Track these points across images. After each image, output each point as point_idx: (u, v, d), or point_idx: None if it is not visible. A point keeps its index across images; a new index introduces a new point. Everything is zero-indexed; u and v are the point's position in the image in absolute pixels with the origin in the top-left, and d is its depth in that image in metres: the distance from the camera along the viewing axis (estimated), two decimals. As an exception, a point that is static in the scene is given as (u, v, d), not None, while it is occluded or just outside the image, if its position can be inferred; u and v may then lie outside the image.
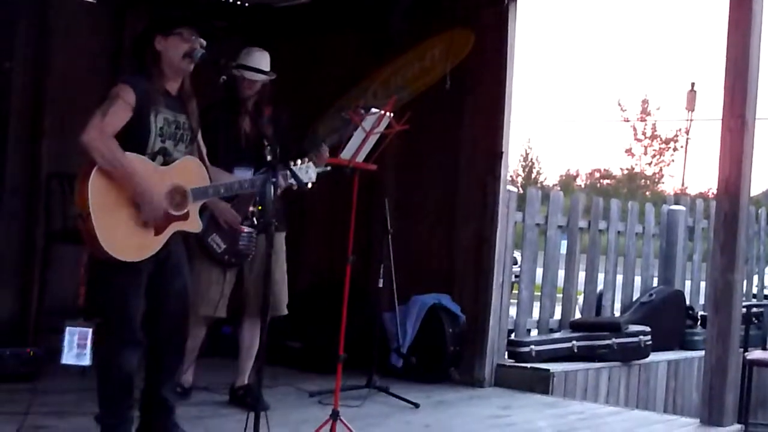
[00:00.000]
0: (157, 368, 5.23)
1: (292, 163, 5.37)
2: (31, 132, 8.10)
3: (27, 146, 8.07)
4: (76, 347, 5.43)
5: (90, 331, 5.28)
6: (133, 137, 4.88)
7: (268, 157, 5.28)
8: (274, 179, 5.00)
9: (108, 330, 5.04)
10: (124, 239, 4.81)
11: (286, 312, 6.54)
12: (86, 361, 5.40)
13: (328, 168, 5.75)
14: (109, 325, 5.02)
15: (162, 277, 5.07)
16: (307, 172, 5.38)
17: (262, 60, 6.49)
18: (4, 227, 7.78)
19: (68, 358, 5.37)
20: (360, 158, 5.88)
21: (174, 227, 4.99)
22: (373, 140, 5.91)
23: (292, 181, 5.36)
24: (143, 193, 4.82)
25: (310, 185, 5.38)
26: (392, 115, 5.95)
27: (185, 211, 5.02)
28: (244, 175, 5.98)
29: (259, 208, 5.76)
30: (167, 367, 5.26)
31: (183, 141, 5.12)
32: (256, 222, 6.08)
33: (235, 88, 6.31)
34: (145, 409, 5.26)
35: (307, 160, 5.44)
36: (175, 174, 5.00)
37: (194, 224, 5.12)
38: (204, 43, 5.12)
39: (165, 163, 5.00)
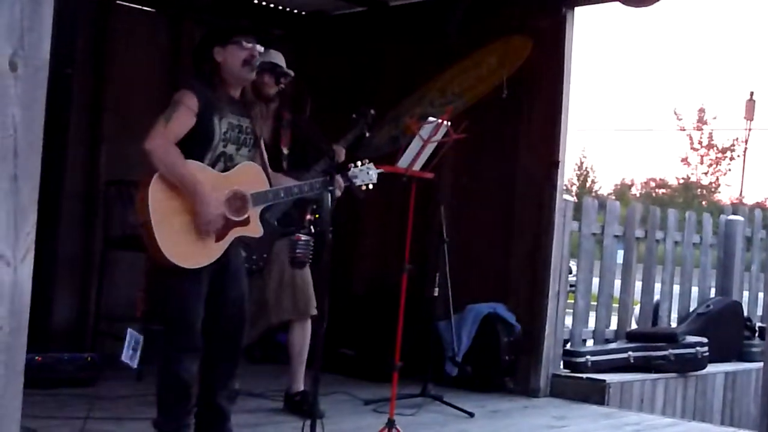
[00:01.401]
0: (212, 375, 5.23)
1: (352, 165, 5.38)
2: (91, 138, 8.19)
3: (86, 152, 8.16)
4: (131, 350, 5.49)
5: (141, 338, 5.33)
6: (197, 142, 4.91)
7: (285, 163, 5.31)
8: (331, 187, 5.01)
9: (168, 337, 5.06)
10: (185, 246, 4.83)
11: (315, 312, 6.49)
12: (135, 364, 5.55)
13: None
14: (170, 332, 5.04)
15: (221, 284, 5.09)
16: (368, 173, 5.40)
17: (279, 58, 6.47)
18: (64, 233, 7.84)
19: (125, 356, 5.47)
20: (417, 167, 5.88)
21: (234, 233, 5.00)
22: (430, 149, 5.90)
23: (355, 181, 5.37)
24: (201, 203, 4.83)
25: (371, 186, 5.40)
26: (450, 123, 5.93)
27: (245, 216, 5.02)
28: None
29: (316, 216, 5.80)
30: (222, 375, 5.26)
31: (246, 145, 5.13)
32: (313, 230, 6.12)
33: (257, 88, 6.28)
34: (200, 416, 5.28)
35: (367, 161, 5.45)
36: (235, 179, 5.01)
37: (255, 229, 5.12)
38: (262, 49, 5.14)
39: (226, 168, 5.02)
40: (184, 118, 4.87)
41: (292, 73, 6.38)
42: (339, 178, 5.37)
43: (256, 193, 5.06)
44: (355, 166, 5.41)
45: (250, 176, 5.09)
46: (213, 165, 4.99)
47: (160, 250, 4.76)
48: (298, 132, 6.46)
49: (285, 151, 6.38)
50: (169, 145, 4.78)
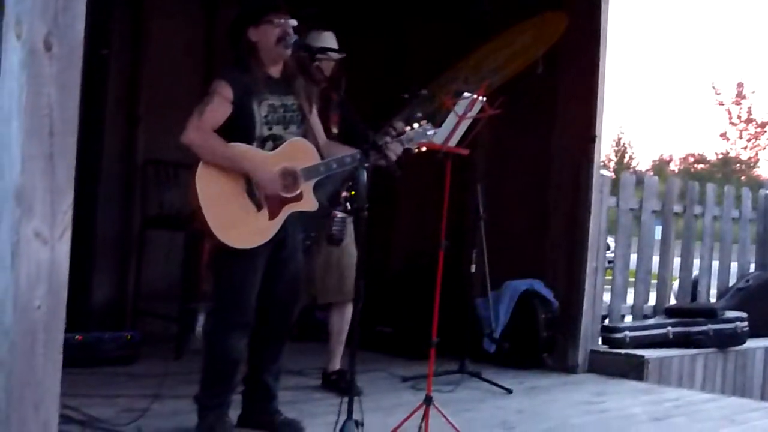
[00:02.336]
0: (261, 354, 5.28)
1: (408, 128, 5.38)
2: (127, 118, 8.22)
3: (123, 132, 8.19)
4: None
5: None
6: (238, 129, 4.93)
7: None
8: (366, 164, 5.01)
9: (220, 313, 5.09)
10: (238, 227, 4.87)
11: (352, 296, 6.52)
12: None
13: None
14: (222, 308, 5.07)
15: (276, 262, 5.11)
16: (425, 132, 5.40)
17: (332, 40, 6.48)
18: (101, 212, 7.89)
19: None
20: (453, 143, 5.86)
21: (288, 209, 5.02)
22: (465, 125, 5.88)
23: (411, 144, 5.38)
24: (254, 170, 4.87)
25: (424, 149, 5.41)
26: (485, 99, 5.91)
27: (298, 191, 5.04)
28: None
29: (352, 193, 5.79)
30: (271, 353, 5.30)
31: (293, 122, 5.14)
32: (349, 207, 6.13)
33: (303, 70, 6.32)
34: (247, 394, 5.32)
35: (424, 121, 5.45)
36: (283, 157, 5.02)
37: (309, 203, 5.12)
38: (295, 23, 5.12)
39: (275, 148, 5.03)
40: (218, 107, 4.89)
41: (338, 56, 6.41)
42: (395, 144, 5.38)
43: (306, 167, 5.06)
44: (411, 128, 5.41)
45: (298, 151, 5.10)
46: (262, 148, 5.00)
47: (214, 235, 4.80)
48: (346, 112, 6.47)
49: (335, 131, 6.39)
50: (203, 132, 4.82)
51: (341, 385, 6.20)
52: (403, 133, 5.43)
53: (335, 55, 6.41)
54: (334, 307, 6.59)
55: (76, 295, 7.31)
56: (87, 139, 7.38)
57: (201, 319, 5.64)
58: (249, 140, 4.96)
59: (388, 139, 5.42)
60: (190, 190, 4.84)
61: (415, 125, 5.42)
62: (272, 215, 4.96)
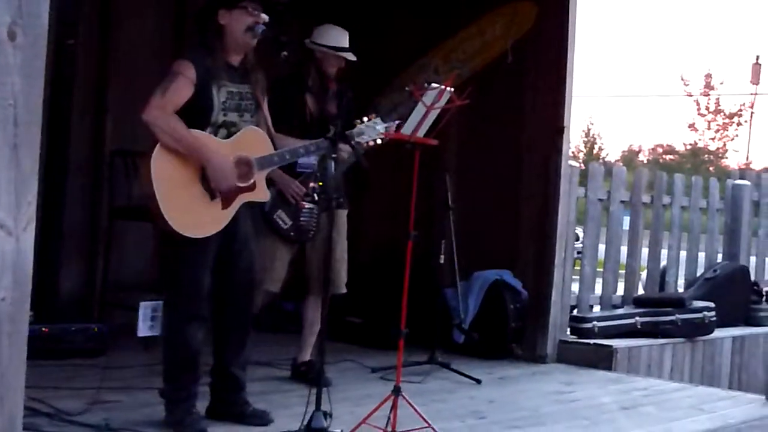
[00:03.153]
0: (225, 345, 5.26)
1: (359, 121, 5.37)
2: (95, 108, 8.15)
3: (91, 122, 8.12)
4: (150, 320, 5.49)
5: (161, 303, 5.34)
6: (196, 112, 4.91)
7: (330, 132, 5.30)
8: (334, 154, 5.00)
9: (174, 305, 5.08)
10: (191, 215, 4.84)
11: (344, 290, 6.55)
12: (157, 331, 5.57)
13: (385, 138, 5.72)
14: (176, 300, 5.06)
15: (230, 252, 5.10)
16: (375, 128, 5.38)
17: (344, 38, 6.51)
18: (69, 203, 7.85)
19: (143, 330, 5.46)
20: (421, 133, 5.84)
21: (242, 199, 5.01)
22: (433, 115, 5.87)
23: (362, 138, 5.36)
24: (210, 162, 4.84)
25: (379, 142, 5.39)
26: (453, 89, 5.91)
27: (251, 181, 5.02)
28: (307, 158, 5.95)
29: (320, 184, 5.78)
30: (234, 344, 5.28)
31: (248, 111, 5.13)
32: (317, 198, 6.12)
33: (311, 65, 6.39)
34: (215, 386, 5.30)
35: (374, 115, 5.44)
36: (238, 145, 5.01)
37: (262, 194, 5.13)
38: (267, 18, 5.12)
39: (229, 135, 5.02)
40: (182, 88, 4.87)
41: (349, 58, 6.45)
42: (343, 148, 5.37)
43: (260, 157, 5.06)
44: (361, 122, 5.40)
45: (253, 141, 5.09)
46: (215, 134, 4.99)
47: (166, 220, 4.77)
48: (343, 102, 6.50)
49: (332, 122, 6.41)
50: (165, 113, 4.79)
51: (310, 376, 6.18)
52: (354, 126, 5.42)
53: (347, 56, 6.45)
54: (312, 299, 6.58)
55: (43, 287, 7.33)
56: (54, 130, 7.39)
57: (143, 315, 5.56)
58: (204, 124, 4.95)
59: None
60: (143, 174, 4.82)
61: (365, 119, 5.40)
62: (225, 204, 4.95)
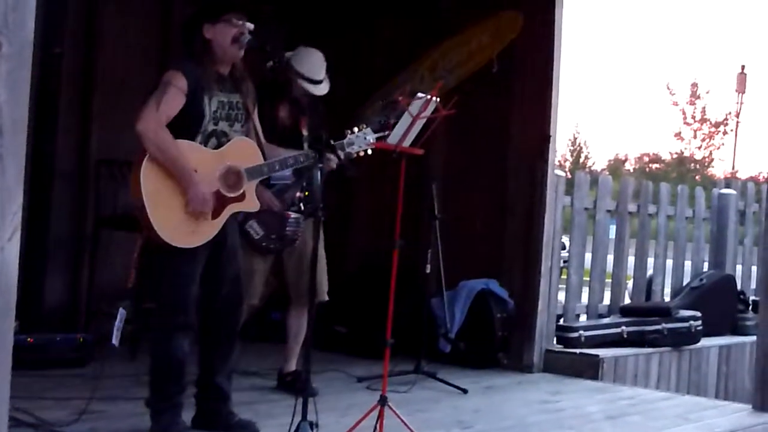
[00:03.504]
0: (212, 355, 5.25)
1: (349, 132, 5.37)
2: (81, 117, 8.15)
3: (77, 132, 8.12)
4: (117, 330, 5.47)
5: (124, 313, 5.30)
6: (188, 122, 4.92)
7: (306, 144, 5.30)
8: (321, 164, 5.00)
9: (160, 315, 5.07)
10: (180, 225, 4.84)
11: (327, 298, 6.55)
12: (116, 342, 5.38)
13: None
14: (163, 310, 5.05)
15: (218, 263, 5.10)
16: (365, 138, 5.38)
17: (320, 69, 6.48)
18: (55, 213, 7.83)
19: (117, 338, 5.42)
20: (407, 143, 5.86)
21: (231, 209, 5.01)
22: (419, 125, 5.88)
23: (352, 149, 5.36)
24: (190, 189, 4.83)
25: (369, 152, 5.39)
26: (439, 99, 5.92)
27: (241, 191, 5.02)
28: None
29: (306, 194, 5.79)
30: (221, 354, 5.27)
31: (238, 121, 5.14)
32: (303, 207, 6.12)
33: (285, 81, 6.35)
34: (200, 397, 5.29)
35: (364, 126, 5.44)
36: (228, 155, 5.01)
37: (251, 204, 5.13)
38: (252, 27, 5.13)
39: (219, 145, 5.02)
40: (174, 98, 4.88)
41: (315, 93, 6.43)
42: (331, 159, 5.37)
43: (250, 167, 5.06)
44: (352, 133, 5.40)
45: (243, 151, 5.09)
46: (205, 143, 5.00)
47: (155, 230, 4.77)
48: (315, 115, 6.49)
49: (305, 133, 6.40)
50: (160, 127, 4.80)
51: (297, 385, 6.17)
52: (344, 136, 5.41)
53: (313, 89, 6.42)
54: (296, 309, 6.57)
55: (28, 297, 7.32)
56: (40, 139, 7.38)
57: (119, 323, 5.50)
58: (195, 133, 4.95)
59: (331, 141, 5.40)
60: (133, 182, 4.82)
61: (356, 129, 5.40)
62: (214, 215, 4.95)
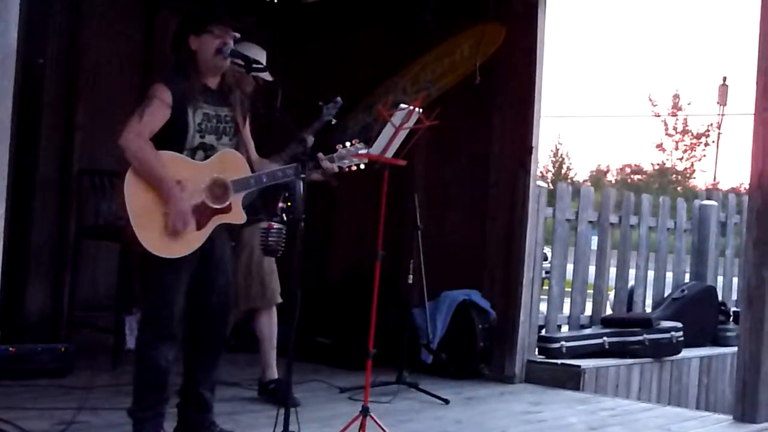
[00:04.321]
0: (196, 365, 5.24)
1: (340, 146, 5.38)
2: (64, 127, 8.14)
3: (59, 141, 8.11)
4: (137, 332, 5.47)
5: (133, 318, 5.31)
6: (172, 135, 4.91)
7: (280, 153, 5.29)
8: (303, 175, 5.01)
9: (145, 324, 5.07)
10: (164, 236, 4.82)
11: (280, 300, 6.55)
12: None
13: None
14: (148, 320, 5.05)
15: (206, 273, 5.09)
16: (358, 151, 5.38)
17: (262, 56, 6.48)
18: (37, 222, 7.82)
19: (131, 342, 5.41)
20: (389, 154, 5.87)
21: (216, 221, 4.99)
22: (402, 136, 5.90)
23: (344, 163, 5.37)
24: (170, 203, 4.82)
25: (362, 167, 5.40)
26: (421, 110, 5.93)
27: (227, 203, 5.02)
28: None
29: (288, 204, 5.78)
30: (205, 365, 5.26)
31: (226, 134, 5.13)
32: (285, 218, 6.11)
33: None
34: (183, 407, 5.28)
35: (356, 141, 5.45)
36: (214, 167, 5.00)
37: (238, 216, 5.10)
38: (238, 35, 5.14)
39: (207, 158, 5.01)
40: (158, 112, 4.87)
41: (267, 78, 6.40)
42: (326, 163, 5.36)
43: (236, 179, 5.05)
44: (344, 147, 5.40)
45: (230, 163, 5.08)
46: (192, 156, 4.99)
47: (139, 241, 4.76)
48: (273, 123, 6.47)
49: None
50: (143, 141, 4.79)
51: (279, 395, 6.17)
52: (335, 151, 5.42)
53: (265, 75, 6.40)
54: (259, 314, 6.59)
55: (9, 307, 7.31)
56: (22, 148, 7.37)
57: (129, 327, 5.52)
58: (181, 146, 4.94)
59: (320, 155, 5.40)
60: (117, 194, 4.82)
61: (347, 144, 5.41)
62: (199, 226, 4.93)
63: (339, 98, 6.45)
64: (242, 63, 5.31)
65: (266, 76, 6.37)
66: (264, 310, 6.57)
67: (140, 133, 4.80)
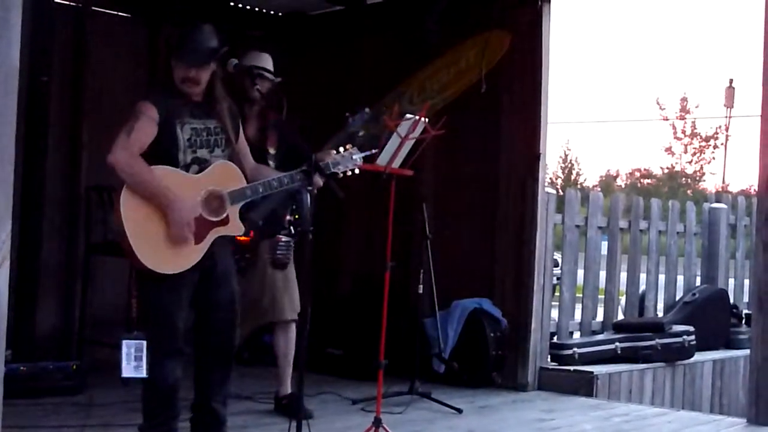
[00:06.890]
0: (206, 380, 5.22)
1: (334, 152, 5.36)
2: (70, 144, 8.16)
3: (66, 158, 8.13)
4: (134, 360, 5.43)
5: (144, 343, 5.27)
6: (162, 151, 4.90)
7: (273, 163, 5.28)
8: (309, 187, 4.99)
9: (151, 341, 5.05)
10: (162, 252, 4.81)
11: (289, 318, 6.51)
12: (143, 373, 5.34)
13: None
14: (152, 337, 5.04)
15: (209, 287, 5.07)
16: (352, 157, 5.37)
17: (267, 62, 6.50)
18: (46, 240, 7.82)
19: (127, 371, 5.37)
20: (396, 164, 5.87)
21: (214, 233, 4.97)
22: (408, 145, 5.90)
23: (338, 169, 5.34)
24: (172, 208, 4.81)
25: (357, 171, 5.38)
26: (427, 119, 5.93)
27: (224, 215, 5.00)
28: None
29: (296, 217, 5.76)
30: (216, 379, 5.23)
31: (218, 146, 5.10)
32: (293, 230, 6.10)
33: (241, 89, 6.25)
34: (196, 421, 5.26)
35: (350, 146, 5.43)
36: (209, 180, 4.98)
37: (236, 228, 5.08)
38: (235, 62, 5.17)
39: (200, 171, 5.00)
40: (145, 127, 4.86)
41: (273, 78, 6.42)
42: (317, 178, 5.32)
43: (232, 191, 5.03)
44: (338, 153, 5.38)
45: (225, 175, 5.06)
46: (187, 170, 4.97)
47: (138, 258, 4.75)
48: (284, 133, 6.45)
49: (272, 151, 6.38)
50: (131, 156, 4.77)
51: (292, 408, 6.16)
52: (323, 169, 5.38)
53: (270, 77, 6.42)
54: (275, 329, 6.56)
55: (20, 325, 7.30)
56: (29, 167, 7.38)
57: (126, 353, 5.46)
58: (173, 162, 4.93)
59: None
60: (114, 210, 4.81)
61: (341, 150, 5.39)
62: (198, 240, 4.91)
63: (367, 109, 6.40)
64: (248, 73, 5.32)
65: (269, 76, 6.39)
66: (279, 326, 6.54)
67: (128, 149, 4.77)
